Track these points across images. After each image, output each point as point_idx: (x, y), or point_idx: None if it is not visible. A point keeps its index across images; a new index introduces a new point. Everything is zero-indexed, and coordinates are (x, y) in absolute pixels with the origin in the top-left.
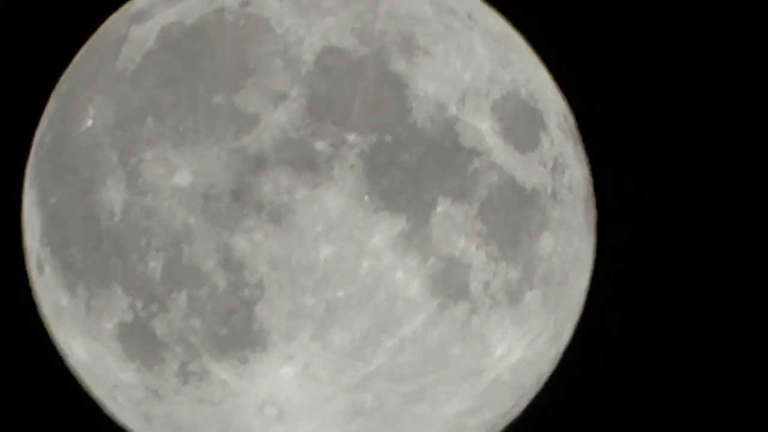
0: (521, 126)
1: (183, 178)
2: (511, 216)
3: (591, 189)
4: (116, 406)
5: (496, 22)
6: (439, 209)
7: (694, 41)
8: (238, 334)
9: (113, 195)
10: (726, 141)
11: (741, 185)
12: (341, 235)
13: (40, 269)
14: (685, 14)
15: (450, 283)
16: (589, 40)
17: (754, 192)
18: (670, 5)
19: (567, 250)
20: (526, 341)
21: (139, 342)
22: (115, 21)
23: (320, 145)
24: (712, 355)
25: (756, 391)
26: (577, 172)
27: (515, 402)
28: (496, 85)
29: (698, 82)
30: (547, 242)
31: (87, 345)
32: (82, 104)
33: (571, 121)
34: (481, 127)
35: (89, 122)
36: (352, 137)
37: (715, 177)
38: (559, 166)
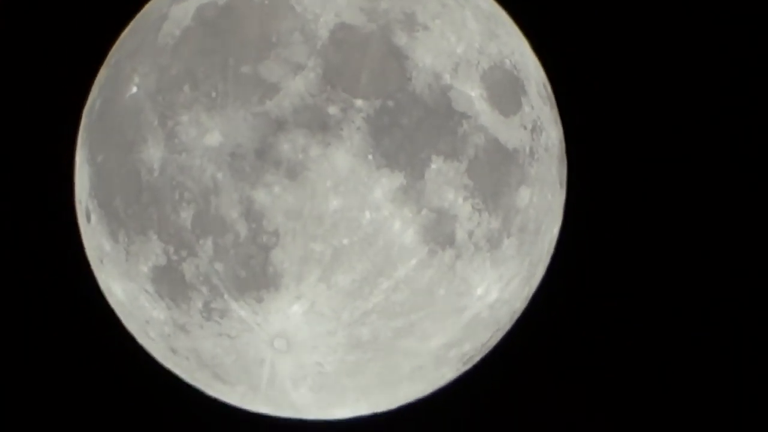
0: (506, 93)
1: (213, 138)
2: (494, 172)
3: (564, 149)
4: (147, 340)
5: (485, 1)
6: (432, 166)
7: (662, 18)
8: (256, 277)
9: (153, 153)
10: (688, 105)
11: (700, 142)
12: (348, 189)
13: (88, 218)
14: None
15: (439, 232)
16: (565, 17)
17: (713, 143)
18: None
19: (541, 203)
20: (503, 283)
21: (170, 283)
22: (156, 1)
23: (332, 110)
24: (669, 292)
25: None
26: (553, 134)
27: (491, 335)
28: (484, 57)
29: (662, 58)
30: (524, 196)
31: (124, 286)
32: (127, 74)
33: (548, 88)
34: (472, 94)
35: (134, 89)
36: (359, 103)
37: (677, 139)
38: (537, 128)
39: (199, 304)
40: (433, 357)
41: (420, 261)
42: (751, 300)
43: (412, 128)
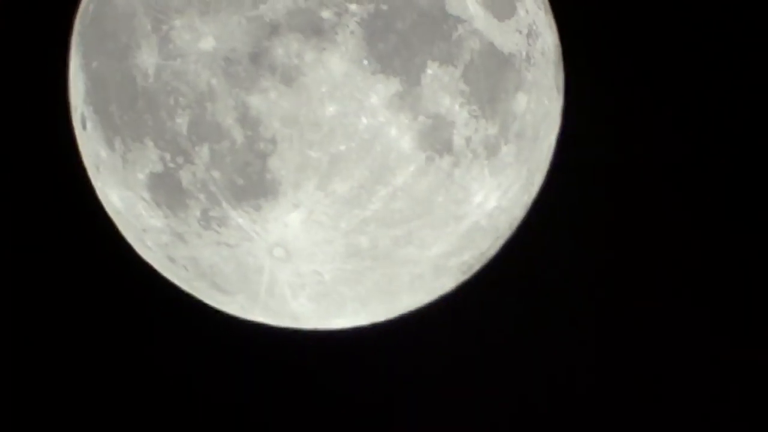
0: None
1: (207, 43)
2: (491, 78)
3: (560, 54)
4: (144, 249)
5: None
6: (428, 71)
7: None
8: (253, 184)
9: (147, 59)
10: (684, 23)
11: (703, 47)
12: (343, 95)
13: (83, 125)
14: None
15: (436, 138)
16: None
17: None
18: None
19: (539, 109)
20: (501, 190)
21: (167, 191)
22: None
23: (326, 14)
24: (671, 199)
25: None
26: (549, 39)
27: (490, 244)
28: None
29: None
30: (521, 101)
31: (121, 194)
32: None
33: None
34: None
35: None
36: (353, 6)
37: (677, 53)
38: (533, 32)
39: (197, 213)
40: (432, 266)
41: (418, 168)
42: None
43: (406, 32)
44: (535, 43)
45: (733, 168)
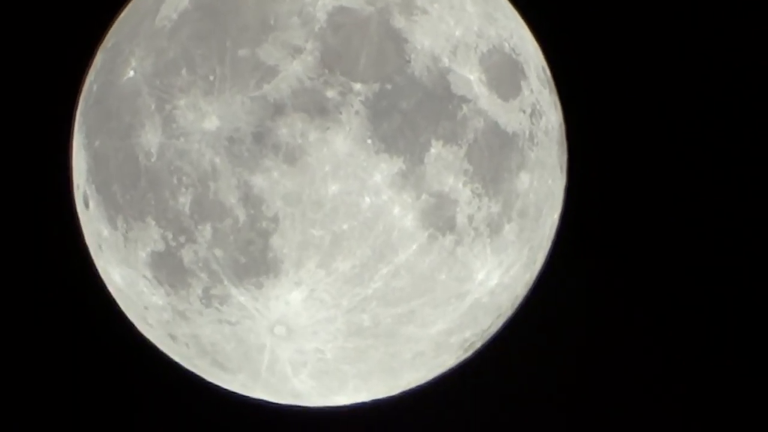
0: (505, 76)
1: (211, 122)
2: (494, 157)
3: (564, 132)
4: (146, 326)
5: None
6: (432, 151)
7: (660, 4)
8: (256, 262)
9: (150, 138)
10: (687, 90)
11: (700, 127)
12: (347, 174)
13: (86, 204)
14: None
15: (439, 217)
16: (564, 1)
17: (712, 125)
18: None
19: (541, 187)
20: (503, 268)
21: (169, 269)
22: None
23: (330, 93)
24: (672, 276)
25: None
26: (552, 118)
27: (492, 321)
28: (483, 40)
29: (661, 44)
30: (524, 180)
31: (123, 272)
32: (125, 57)
33: (548, 72)
34: (470, 77)
35: (131, 73)
36: (358, 86)
37: (678, 123)
38: (537, 112)
39: (199, 291)
40: (433, 343)
41: (420, 246)
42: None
43: (411, 112)
44: (539, 122)
45: (733, 245)
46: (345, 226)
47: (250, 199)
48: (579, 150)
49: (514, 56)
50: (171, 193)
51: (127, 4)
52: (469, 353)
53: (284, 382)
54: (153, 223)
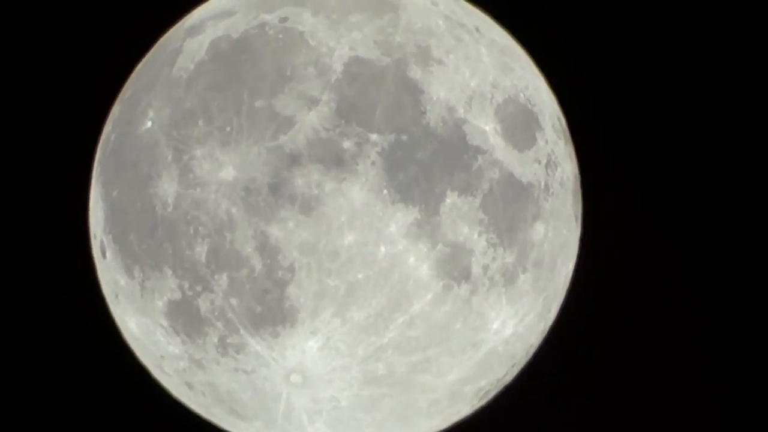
0: (520, 127)
1: (227, 173)
2: (509, 207)
3: (579, 183)
4: (162, 375)
5: (500, 35)
6: (447, 201)
7: (673, 51)
8: (272, 312)
9: (167, 188)
10: (702, 139)
11: (709, 176)
12: (363, 224)
13: (103, 254)
14: (665, 26)
15: (455, 267)
16: (579, 51)
17: (728, 187)
18: (651, 20)
19: (556, 238)
20: (518, 318)
21: (185, 318)
22: (171, 35)
23: (347, 144)
24: (685, 329)
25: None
26: (567, 168)
27: (507, 370)
28: (498, 91)
29: (675, 89)
30: (539, 230)
31: (139, 321)
32: (142, 108)
33: (563, 122)
34: (486, 128)
35: (148, 123)
36: (374, 137)
37: (692, 176)
38: (552, 162)
39: (215, 339)
40: (449, 392)
41: (435, 296)
42: None
43: (426, 163)
44: (554, 173)
45: (739, 284)
46: (360, 276)
47: (266, 249)
48: (594, 200)
49: (529, 107)
50: (187, 243)
51: (144, 56)
52: (484, 402)
53: (300, 430)
54: (170, 272)
